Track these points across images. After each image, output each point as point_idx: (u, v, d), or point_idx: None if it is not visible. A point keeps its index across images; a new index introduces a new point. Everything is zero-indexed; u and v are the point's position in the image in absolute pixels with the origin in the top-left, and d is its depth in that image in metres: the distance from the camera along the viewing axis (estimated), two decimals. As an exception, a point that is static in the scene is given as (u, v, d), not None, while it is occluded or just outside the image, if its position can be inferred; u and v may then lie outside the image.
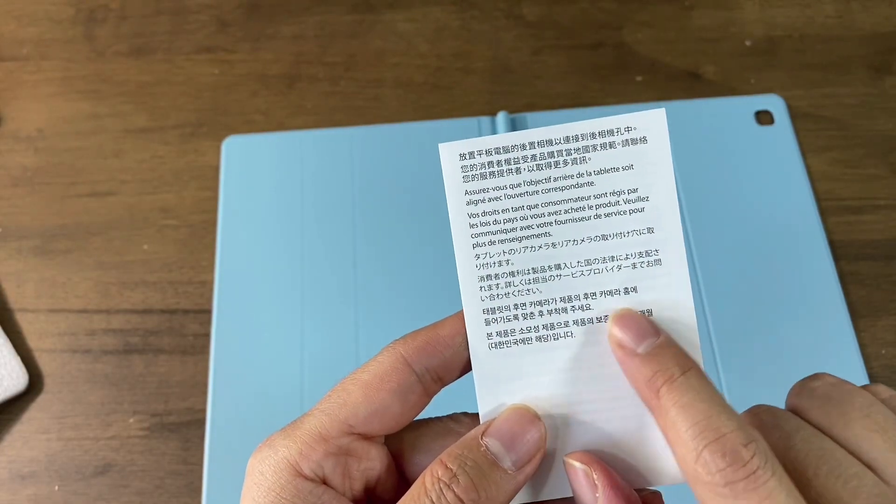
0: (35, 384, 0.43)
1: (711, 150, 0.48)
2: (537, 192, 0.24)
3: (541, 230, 0.24)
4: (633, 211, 0.23)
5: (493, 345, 0.24)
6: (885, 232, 0.46)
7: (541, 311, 0.24)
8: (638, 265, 0.23)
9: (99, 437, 0.42)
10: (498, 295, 0.24)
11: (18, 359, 0.43)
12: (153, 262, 0.46)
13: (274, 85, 0.52)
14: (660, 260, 0.23)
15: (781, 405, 0.30)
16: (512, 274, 0.24)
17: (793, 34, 0.52)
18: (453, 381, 0.25)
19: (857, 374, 0.42)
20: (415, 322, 0.25)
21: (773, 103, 0.49)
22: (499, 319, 0.24)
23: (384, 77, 0.52)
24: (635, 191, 0.23)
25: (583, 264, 0.24)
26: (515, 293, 0.24)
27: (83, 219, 0.48)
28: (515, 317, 0.24)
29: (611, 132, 0.24)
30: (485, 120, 0.49)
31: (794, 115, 0.49)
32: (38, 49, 0.53)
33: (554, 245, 0.24)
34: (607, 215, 0.23)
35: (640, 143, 0.23)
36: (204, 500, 0.40)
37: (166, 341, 0.44)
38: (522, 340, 0.24)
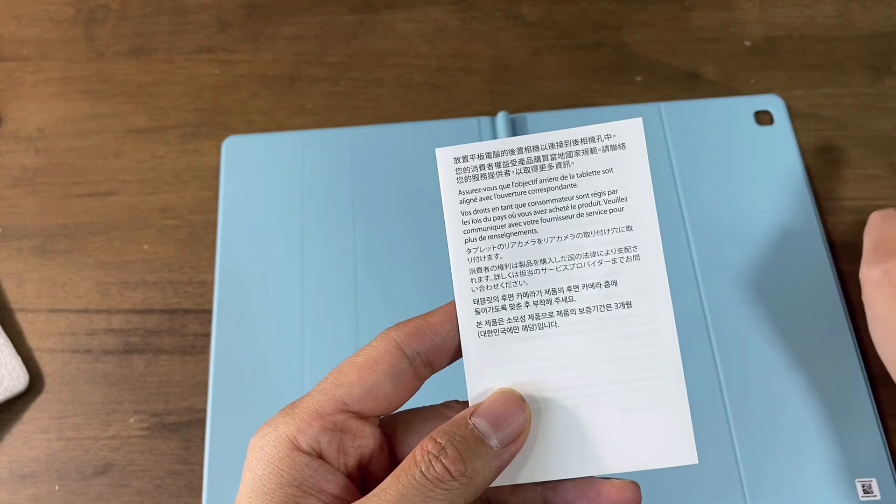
0: (35, 384, 0.44)
1: (711, 151, 0.48)
2: (525, 192, 0.26)
3: (527, 227, 0.25)
4: (613, 210, 0.25)
5: (483, 333, 0.25)
6: (885, 232, 0.46)
7: (527, 302, 0.25)
8: (618, 260, 0.25)
9: (99, 436, 0.42)
10: (487, 286, 0.25)
11: (19, 359, 0.43)
12: (153, 262, 0.46)
13: (274, 85, 0.52)
14: (638, 255, 0.25)
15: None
16: (501, 267, 0.25)
17: (792, 34, 0.52)
18: (443, 367, 0.26)
19: (856, 374, 0.42)
20: (415, 322, 0.26)
21: (773, 103, 0.49)
22: (488, 309, 0.25)
23: (384, 77, 0.52)
24: (615, 192, 0.25)
25: (566, 259, 0.25)
26: (504, 285, 0.25)
27: (83, 219, 0.48)
28: (503, 307, 0.25)
29: (592, 139, 0.25)
30: (484, 120, 0.49)
31: (794, 116, 0.49)
32: (38, 49, 0.53)
33: (540, 241, 0.25)
34: (589, 214, 0.25)
35: (619, 149, 0.25)
36: (204, 500, 0.40)
37: (166, 341, 0.44)
38: (510, 329, 0.25)
